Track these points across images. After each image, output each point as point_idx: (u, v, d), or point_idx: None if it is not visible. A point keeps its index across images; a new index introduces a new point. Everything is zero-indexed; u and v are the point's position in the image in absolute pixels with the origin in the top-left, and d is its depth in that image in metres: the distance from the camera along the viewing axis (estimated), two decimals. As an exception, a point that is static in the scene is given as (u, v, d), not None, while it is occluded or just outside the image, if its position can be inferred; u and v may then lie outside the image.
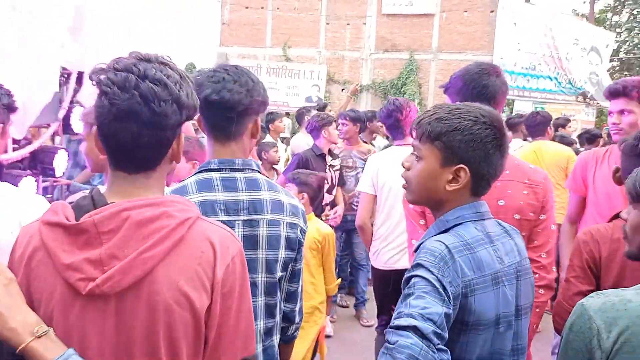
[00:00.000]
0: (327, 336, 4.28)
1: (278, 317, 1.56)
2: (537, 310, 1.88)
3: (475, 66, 1.96)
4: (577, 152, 4.99)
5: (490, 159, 1.26)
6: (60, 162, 2.65)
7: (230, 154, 1.50)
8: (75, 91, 2.74)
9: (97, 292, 0.94)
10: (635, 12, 21.96)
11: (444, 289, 1.12)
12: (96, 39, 2.56)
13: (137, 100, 0.97)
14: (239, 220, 1.45)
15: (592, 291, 1.72)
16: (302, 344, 2.69)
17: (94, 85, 1.00)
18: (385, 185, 3.19)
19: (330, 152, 4.43)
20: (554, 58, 10.87)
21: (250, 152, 1.66)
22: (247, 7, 15.28)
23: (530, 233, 1.84)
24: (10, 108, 1.62)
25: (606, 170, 2.45)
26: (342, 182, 4.53)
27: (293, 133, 8.81)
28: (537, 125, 4.83)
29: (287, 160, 5.76)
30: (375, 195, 3.28)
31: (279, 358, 1.61)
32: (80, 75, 2.69)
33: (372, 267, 3.39)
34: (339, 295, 5.01)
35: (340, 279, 2.99)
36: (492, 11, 13.34)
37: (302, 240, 1.58)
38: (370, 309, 4.72)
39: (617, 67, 20.70)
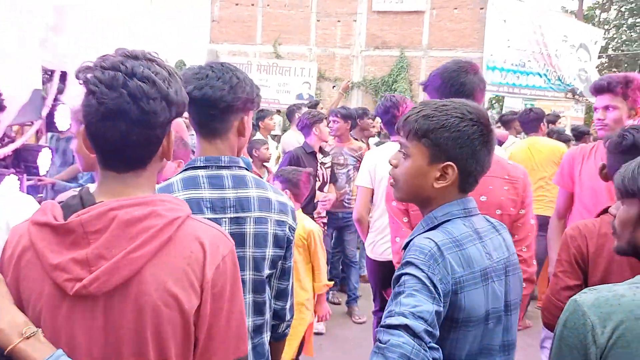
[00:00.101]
0: (319, 333, 4.29)
1: (268, 315, 1.56)
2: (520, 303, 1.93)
3: (453, 64, 2.00)
4: (573, 148, 5.08)
5: (478, 156, 1.27)
6: (44, 161, 2.62)
7: (217, 151, 1.50)
8: (61, 89, 2.71)
9: (83, 292, 0.94)
10: (623, 9, 22.17)
11: (434, 286, 1.12)
12: (81, 37, 2.54)
13: (125, 99, 0.95)
14: (225, 218, 1.45)
15: (579, 286, 1.74)
16: (290, 341, 2.69)
17: (81, 84, 0.98)
18: (383, 179, 3.21)
19: (321, 149, 4.42)
20: (544, 55, 10.96)
21: (242, 150, 1.65)
22: (237, 4, 15.23)
23: (511, 228, 1.87)
24: None
25: (592, 166, 2.47)
26: (334, 179, 4.54)
27: (284, 130, 8.80)
28: (530, 122, 4.90)
29: (279, 157, 5.76)
30: (373, 189, 3.31)
31: (269, 355, 1.61)
32: (64, 73, 2.66)
33: (368, 258, 3.42)
34: (331, 292, 5.02)
35: (332, 282, 2.96)
36: (481, 8, 13.40)
37: (291, 237, 1.58)
38: (362, 306, 4.74)
39: (606, 64, 20.88)
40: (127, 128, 0.97)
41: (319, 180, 4.35)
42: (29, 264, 0.98)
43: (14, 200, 1.61)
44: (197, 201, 1.42)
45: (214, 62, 1.53)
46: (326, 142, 4.55)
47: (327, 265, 4.72)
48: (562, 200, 2.75)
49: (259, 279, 1.50)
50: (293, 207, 1.62)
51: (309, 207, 4.27)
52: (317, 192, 4.31)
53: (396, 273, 1.18)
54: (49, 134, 4.68)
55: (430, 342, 1.04)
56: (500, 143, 5.40)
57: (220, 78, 1.45)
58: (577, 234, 1.79)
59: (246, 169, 1.55)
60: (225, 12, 15.33)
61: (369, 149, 4.90)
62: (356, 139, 5.19)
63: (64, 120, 2.71)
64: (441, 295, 1.13)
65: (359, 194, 3.46)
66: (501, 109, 12.54)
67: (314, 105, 6.25)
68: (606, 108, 2.46)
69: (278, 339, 1.69)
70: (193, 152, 2.37)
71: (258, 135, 5.60)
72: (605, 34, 18.79)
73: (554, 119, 7.15)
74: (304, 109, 5.30)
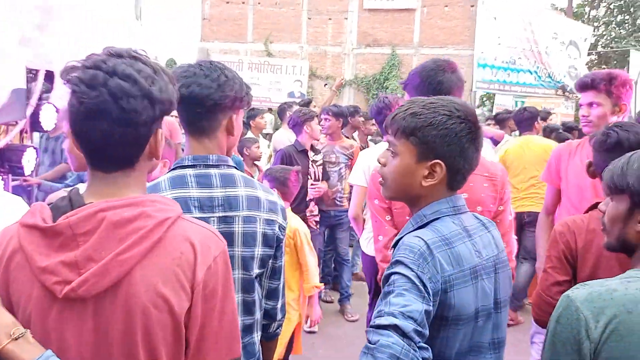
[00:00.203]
0: (312, 332, 4.29)
1: (258, 314, 1.56)
2: None
3: (432, 63, 2.03)
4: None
5: (466, 153, 1.27)
6: (29, 161, 2.60)
7: (205, 150, 1.49)
8: (47, 89, 2.68)
9: (72, 295, 0.93)
10: (612, 6, 22.32)
11: (424, 285, 1.12)
12: (68, 37, 2.51)
13: (105, 98, 0.94)
14: (213, 217, 1.44)
15: (569, 281, 1.75)
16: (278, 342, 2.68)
17: (65, 84, 0.98)
18: None
19: (312, 147, 4.42)
20: (534, 52, 11.01)
21: (232, 149, 1.64)
22: (227, 2, 15.18)
23: None
24: None
25: (578, 163, 2.50)
26: (326, 176, 4.54)
27: (276, 129, 8.78)
28: (525, 121, 4.96)
29: (270, 156, 5.74)
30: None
31: (260, 355, 1.61)
32: (50, 73, 2.64)
33: (363, 254, 3.44)
34: (323, 290, 5.02)
35: (322, 284, 2.94)
36: (472, 6, 13.44)
37: (281, 237, 1.57)
38: (355, 304, 4.75)
39: (596, 61, 21.03)
40: (109, 127, 0.96)
41: (311, 178, 4.35)
42: (18, 267, 0.97)
43: (2, 201, 1.60)
44: (185, 200, 1.41)
45: (203, 60, 1.52)
46: (317, 140, 4.55)
47: (320, 263, 4.74)
48: (550, 197, 2.77)
49: (248, 278, 1.49)
50: (283, 206, 1.61)
51: (301, 206, 4.27)
52: (310, 190, 4.31)
53: (386, 272, 1.18)
54: (39, 133, 4.64)
55: (419, 342, 1.04)
56: (496, 142, 5.42)
57: (208, 76, 1.44)
58: (565, 230, 1.80)
59: (235, 168, 1.54)
60: (216, 10, 15.26)
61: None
62: (347, 137, 5.19)
63: (49, 119, 2.68)
64: (431, 294, 1.13)
65: (354, 192, 3.47)
66: (492, 107, 12.59)
67: (306, 103, 6.24)
68: (590, 105, 2.48)
69: (269, 339, 1.69)
70: None
71: (249, 134, 5.59)
72: (594, 31, 18.91)
73: (546, 115, 7.20)
74: (295, 107, 5.29)
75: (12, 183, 2.66)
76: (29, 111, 2.58)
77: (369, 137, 5.96)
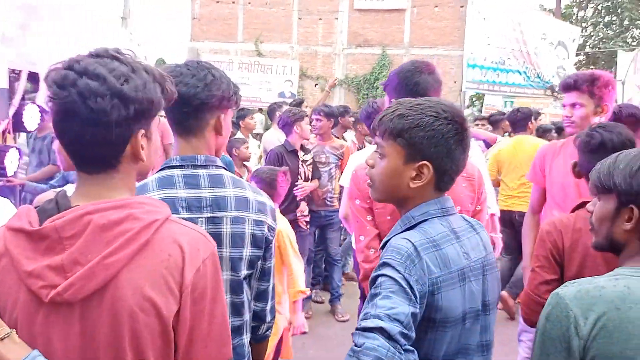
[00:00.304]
0: (302, 332, 4.29)
1: (247, 316, 1.55)
2: None
3: (410, 64, 2.06)
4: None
5: (453, 154, 1.27)
6: (11, 161, 2.57)
7: (193, 149, 1.48)
8: (30, 89, 2.66)
9: (59, 299, 0.92)
10: (599, 7, 22.53)
11: (411, 287, 1.12)
12: (52, 37, 2.49)
13: (73, 98, 0.93)
14: (201, 217, 1.43)
15: (557, 280, 1.77)
16: None
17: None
18: None
19: (302, 147, 4.41)
20: (523, 52, 11.07)
21: (221, 150, 1.63)
22: (217, 2, 15.11)
23: None
24: None
25: (561, 163, 2.52)
26: (317, 174, 4.53)
27: (266, 129, 8.76)
28: (519, 121, 5.05)
29: (260, 157, 5.73)
30: None
31: (250, 357, 1.60)
32: (35, 74, 2.61)
33: (355, 250, 3.44)
34: (314, 291, 5.02)
35: (307, 289, 2.89)
36: (462, 6, 13.50)
37: (271, 238, 1.56)
38: (345, 304, 4.75)
39: (584, 61, 21.20)
40: (80, 128, 0.95)
41: (301, 178, 4.34)
42: (5, 271, 0.96)
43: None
44: (173, 201, 1.40)
45: (190, 60, 1.52)
46: (307, 139, 4.55)
47: (310, 264, 4.73)
48: (536, 196, 2.80)
49: (236, 279, 1.49)
50: (273, 207, 1.61)
51: (291, 206, 4.26)
52: (295, 192, 4.30)
53: (373, 274, 1.18)
54: (27, 134, 4.59)
55: (405, 345, 1.03)
56: (489, 145, 5.45)
57: (195, 75, 1.44)
58: (552, 229, 1.82)
59: (224, 168, 1.53)
60: (206, 9, 15.20)
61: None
62: (337, 137, 5.19)
63: (32, 119, 2.66)
64: (417, 296, 1.12)
65: (345, 193, 3.47)
66: (481, 107, 12.66)
67: (298, 103, 6.22)
68: (573, 105, 2.51)
69: (259, 341, 1.68)
70: None
71: (239, 134, 5.57)
72: (582, 31, 19.08)
73: (536, 115, 7.28)
74: (285, 107, 5.28)
75: (-5, 184, 2.63)
76: (12, 111, 2.56)
77: (366, 137, 5.97)
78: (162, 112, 1.23)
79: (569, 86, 2.51)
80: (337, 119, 5.26)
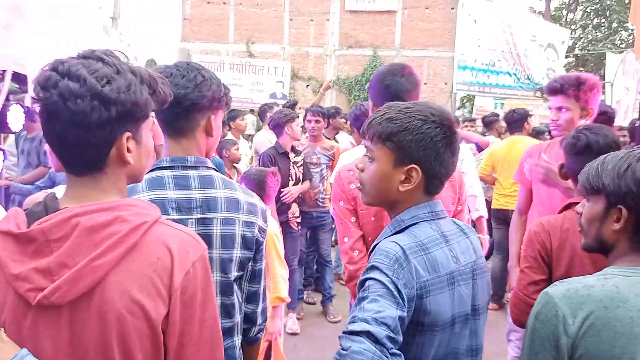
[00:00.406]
0: (294, 333, 4.29)
1: (238, 317, 1.54)
2: None
3: (387, 67, 2.08)
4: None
5: (442, 158, 1.27)
6: None
7: (183, 151, 1.48)
8: (15, 90, 2.63)
9: (45, 303, 0.91)
10: (588, 9, 22.75)
11: (399, 291, 1.11)
12: (38, 37, 2.46)
13: (54, 99, 0.93)
14: (191, 218, 1.43)
15: (545, 280, 1.78)
16: None
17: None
18: None
19: (293, 148, 4.41)
20: (513, 54, 11.14)
21: (212, 151, 1.63)
22: (209, 2, 15.09)
23: None
24: None
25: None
26: (309, 175, 4.52)
27: (258, 130, 8.75)
28: (514, 122, 5.10)
29: (252, 158, 5.71)
30: None
31: (242, 358, 1.60)
32: (22, 75, 2.59)
33: None
34: (305, 292, 5.02)
35: (287, 296, 2.82)
36: (452, 8, 13.58)
37: (261, 239, 1.55)
38: (337, 305, 4.75)
39: (573, 63, 21.39)
40: (62, 129, 0.95)
41: (292, 180, 4.34)
42: None
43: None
44: (162, 202, 1.40)
45: (180, 61, 1.51)
46: (298, 140, 4.55)
47: (302, 265, 4.73)
48: (522, 197, 2.83)
49: (227, 280, 1.48)
50: (264, 208, 1.60)
51: (283, 207, 4.26)
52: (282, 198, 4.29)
53: (361, 278, 1.17)
54: (17, 135, 4.55)
55: (392, 348, 1.02)
56: (481, 149, 5.48)
57: (185, 76, 1.44)
58: (541, 230, 1.84)
59: (215, 170, 1.53)
60: (197, 10, 15.16)
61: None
62: (328, 138, 5.19)
63: (17, 120, 2.64)
64: (405, 300, 1.12)
65: None
66: (472, 108, 12.73)
67: (292, 105, 6.21)
68: (559, 109, 2.54)
69: (250, 343, 1.67)
70: None
71: (229, 136, 5.55)
72: (572, 33, 19.25)
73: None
74: (277, 108, 5.27)
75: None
76: (-6, 112, 2.54)
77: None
78: (152, 113, 1.22)
79: (555, 90, 2.54)
80: (329, 120, 5.27)
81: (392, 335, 1.04)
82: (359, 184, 1.37)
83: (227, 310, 1.50)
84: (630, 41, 19.73)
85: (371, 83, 2.09)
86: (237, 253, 1.49)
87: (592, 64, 20.66)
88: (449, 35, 13.64)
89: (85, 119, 0.94)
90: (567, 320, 1.17)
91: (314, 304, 4.99)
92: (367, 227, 1.89)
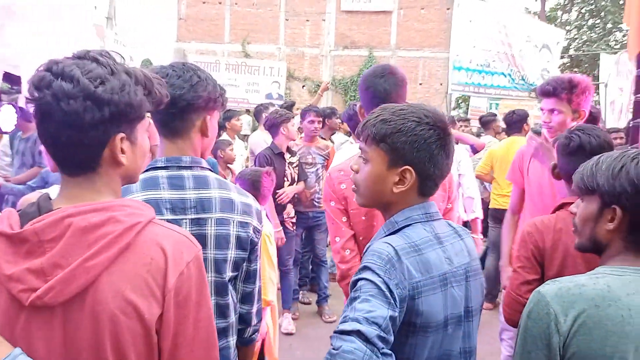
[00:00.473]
0: (289, 333, 4.29)
1: (233, 318, 1.54)
2: None
3: (372, 68, 2.11)
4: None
5: (436, 159, 1.27)
6: None
7: (178, 151, 1.48)
8: (9, 90, 2.63)
9: (38, 303, 0.91)
10: (583, 10, 22.85)
11: (390, 291, 1.11)
12: (31, 37, 2.45)
13: (47, 100, 0.93)
14: (185, 219, 1.43)
15: (538, 280, 1.79)
16: None
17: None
18: None
19: (288, 149, 4.41)
20: (508, 55, 11.18)
21: (207, 151, 1.62)
22: (204, 2, 15.06)
23: None
24: None
25: (537, 164, 2.57)
26: (304, 175, 4.53)
27: (253, 130, 8.74)
28: (514, 123, 5.16)
29: (247, 158, 5.71)
30: None
31: (237, 359, 1.60)
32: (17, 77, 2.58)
33: None
34: (301, 292, 5.02)
35: (271, 300, 2.79)
36: (448, 9, 13.60)
37: (256, 239, 1.55)
38: (333, 305, 4.75)
39: (568, 64, 21.47)
40: (55, 129, 0.95)
41: (287, 180, 4.34)
42: None
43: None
44: (157, 202, 1.40)
45: (176, 61, 1.51)
46: (294, 140, 4.55)
47: (297, 265, 4.73)
48: (515, 196, 2.85)
49: (221, 281, 1.48)
50: (259, 209, 1.60)
51: (278, 208, 4.26)
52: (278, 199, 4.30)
53: (353, 278, 1.17)
54: (12, 134, 4.54)
55: (383, 348, 1.02)
56: (476, 151, 5.50)
57: (181, 77, 1.44)
58: (534, 230, 1.85)
59: (210, 170, 1.53)
60: (192, 10, 15.13)
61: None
62: (323, 138, 5.20)
63: (8, 121, 2.63)
64: (397, 300, 1.12)
65: None
66: (467, 109, 12.76)
67: (289, 106, 6.20)
68: (552, 111, 2.55)
69: (245, 344, 1.67)
70: None
71: (224, 136, 5.54)
72: (566, 34, 19.33)
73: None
74: (272, 109, 5.27)
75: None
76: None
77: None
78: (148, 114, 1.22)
79: (547, 92, 2.55)
80: (324, 121, 5.27)
81: (383, 334, 1.04)
82: (353, 186, 1.38)
83: (221, 311, 1.50)
84: (625, 42, 19.83)
85: (359, 84, 2.12)
86: (232, 253, 1.49)
87: (586, 65, 20.75)
88: (445, 36, 13.67)
89: (78, 120, 0.94)
90: (559, 319, 1.18)
91: (309, 304, 4.99)
92: (358, 227, 1.90)
